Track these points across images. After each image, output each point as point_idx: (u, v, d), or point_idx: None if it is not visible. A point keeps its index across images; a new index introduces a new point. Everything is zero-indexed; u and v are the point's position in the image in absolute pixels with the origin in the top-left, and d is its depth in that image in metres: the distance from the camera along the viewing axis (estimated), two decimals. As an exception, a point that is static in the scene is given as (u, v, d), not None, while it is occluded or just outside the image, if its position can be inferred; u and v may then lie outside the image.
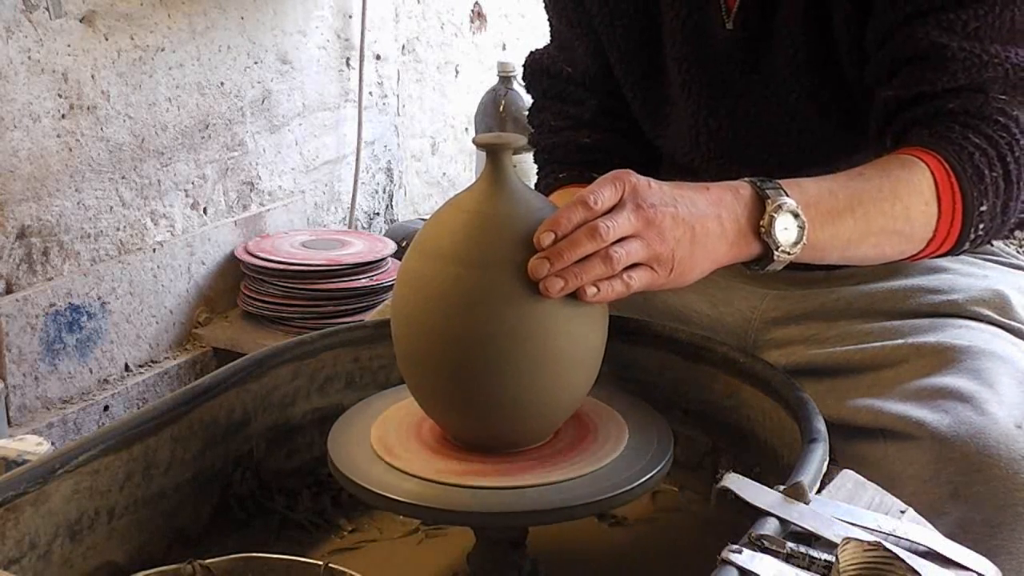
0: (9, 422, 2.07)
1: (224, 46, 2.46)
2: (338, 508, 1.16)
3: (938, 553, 0.86)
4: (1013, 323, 1.21)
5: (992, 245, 1.32)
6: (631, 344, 1.10)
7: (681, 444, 1.07)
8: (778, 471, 1.03)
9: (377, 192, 3.03)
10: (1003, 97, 1.16)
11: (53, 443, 1.21)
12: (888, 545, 0.80)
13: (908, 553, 0.82)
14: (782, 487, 0.88)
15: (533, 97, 1.50)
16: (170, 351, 2.43)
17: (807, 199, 1.06)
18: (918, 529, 0.89)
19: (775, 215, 1.03)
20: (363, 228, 2.96)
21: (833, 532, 0.84)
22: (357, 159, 2.84)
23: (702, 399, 1.15)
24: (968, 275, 1.27)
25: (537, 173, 1.45)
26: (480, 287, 0.93)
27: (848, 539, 0.80)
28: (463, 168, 3.34)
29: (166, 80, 2.32)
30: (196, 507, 1.08)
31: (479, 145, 0.96)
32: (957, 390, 1.08)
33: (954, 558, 0.86)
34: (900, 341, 1.17)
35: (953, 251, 1.17)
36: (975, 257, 1.31)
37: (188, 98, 2.38)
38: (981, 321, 1.21)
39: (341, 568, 0.86)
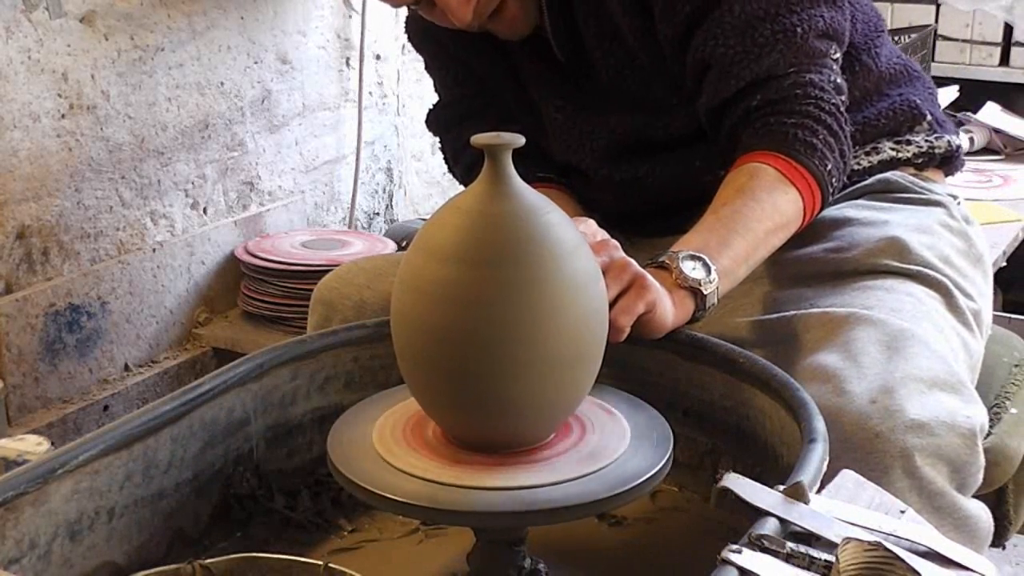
0: (9, 422, 2.07)
1: (224, 46, 2.46)
2: (338, 508, 1.16)
3: (938, 553, 0.86)
4: (911, 267, 1.33)
5: (900, 180, 1.46)
6: (631, 344, 1.10)
7: (681, 444, 1.08)
8: (778, 471, 1.03)
9: (377, 192, 3.03)
10: (791, 71, 1.30)
11: (53, 443, 1.21)
12: (888, 545, 0.80)
13: (908, 553, 0.82)
14: (782, 487, 0.88)
15: (444, 135, 1.62)
16: (170, 351, 2.43)
17: (696, 245, 1.19)
18: (918, 529, 0.89)
19: (680, 263, 1.16)
20: (363, 228, 2.96)
21: (833, 532, 0.84)
22: (357, 159, 2.84)
23: (702, 399, 1.16)
24: (868, 224, 1.38)
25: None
26: (480, 287, 0.93)
27: (848, 539, 0.80)
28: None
29: (166, 80, 2.32)
30: (196, 507, 1.08)
31: (478, 145, 0.96)
32: (824, 370, 1.18)
33: (954, 558, 0.86)
34: (793, 312, 1.28)
35: (824, 207, 1.32)
36: (880, 201, 1.43)
37: (188, 98, 2.38)
38: (880, 272, 1.33)
39: (341, 568, 0.86)
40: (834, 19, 1.32)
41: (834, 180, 1.30)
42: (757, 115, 1.30)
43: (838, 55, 1.34)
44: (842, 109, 1.31)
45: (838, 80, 1.33)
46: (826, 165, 1.28)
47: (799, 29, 1.29)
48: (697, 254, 1.17)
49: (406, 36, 1.62)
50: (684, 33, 1.32)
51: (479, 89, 1.55)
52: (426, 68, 1.63)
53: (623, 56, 1.39)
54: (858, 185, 1.44)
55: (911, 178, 1.46)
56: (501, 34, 1.41)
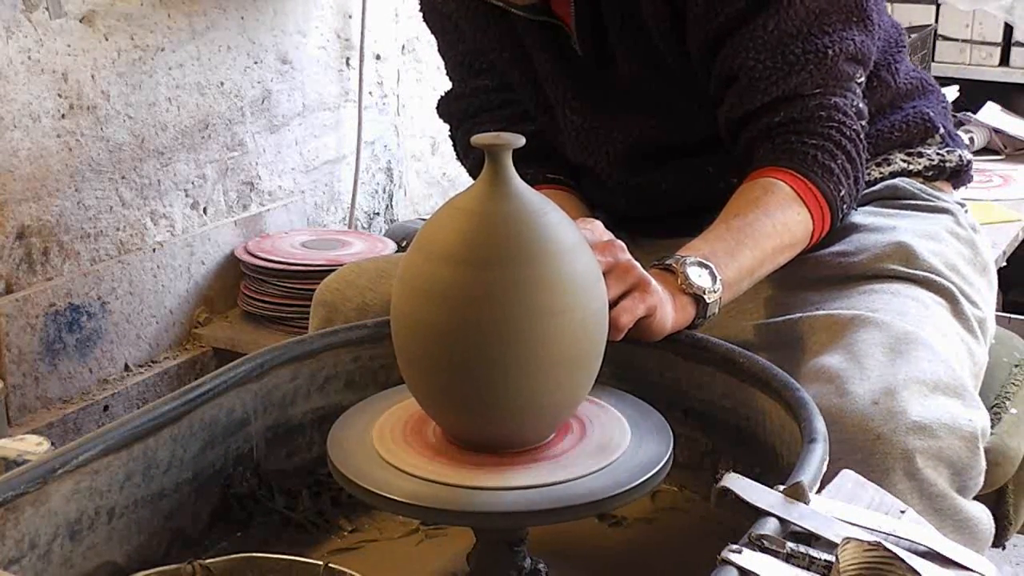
0: (9, 422, 2.07)
1: (224, 46, 2.46)
2: (338, 508, 1.16)
3: (938, 553, 0.86)
4: (918, 272, 1.33)
5: (909, 187, 1.46)
6: (631, 344, 1.10)
7: (681, 444, 1.08)
8: (778, 471, 1.03)
9: (377, 192, 3.03)
10: (817, 91, 1.30)
11: (53, 443, 1.21)
12: (888, 545, 0.80)
13: (908, 553, 0.82)
14: (782, 487, 0.88)
15: (456, 127, 1.59)
16: (170, 351, 2.43)
17: (704, 253, 1.19)
18: (918, 529, 0.89)
19: (686, 268, 1.16)
20: (363, 228, 2.96)
21: (833, 532, 0.84)
22: (357, 159, 2.84)
23: (702, 399, 1.16)
24: (876, 230, 1.38)
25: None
26: (480, 287, 0.93)
27: (848, 539, 0.80)
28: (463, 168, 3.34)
29: (166, 80, 2.32)
30: (196, 507, 1.08)
31: (478, 145, 0.96)
32: (827, 371, 1.18)
33: (954, 558, 0.86)
34: (799, 315, 1.28)
35: (832, 229, 1.32)
36: (888, 207, 1.44)
37: (188, 98, 2.38)
38: (887, 277, 1.33)
39: (341, 568, 0.86)
40: (864, 43, 1.32)
41: (844, 207, 1.31)
42: (778, 131, 1.30)
43: (862, 79, 1.34)
44: (862, 136, 1.32)
45: (860, 105, 1.33)
46: (840, 191, 1.28)
47: (830, 51, 1.29)
48: (704, 261, 1.17)
49: (420, 15, 1.57)
50: (715, 40, 1.32)
51: (496, 83, 1.53)
52: (439, 51, 1.60)
53: (646, 55, 1.38)
54: (866, 192, 1.44)
55: (919, 185, 1.46)
56: None
